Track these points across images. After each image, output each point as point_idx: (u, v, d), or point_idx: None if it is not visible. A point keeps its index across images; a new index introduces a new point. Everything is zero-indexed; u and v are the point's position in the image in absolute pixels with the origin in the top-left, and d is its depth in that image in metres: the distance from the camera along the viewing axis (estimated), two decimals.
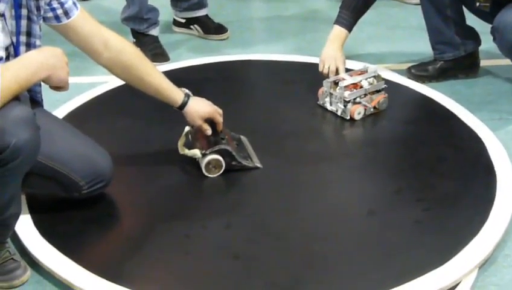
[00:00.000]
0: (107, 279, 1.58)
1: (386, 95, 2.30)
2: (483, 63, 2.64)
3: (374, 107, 2.29)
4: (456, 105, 2.34)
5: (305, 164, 2.04)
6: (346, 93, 2.23)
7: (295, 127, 2.23)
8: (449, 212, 1.82)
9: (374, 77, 2.30)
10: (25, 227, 1.75)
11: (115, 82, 2.52)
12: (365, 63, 2.48)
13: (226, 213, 1.83)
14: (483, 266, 1.65)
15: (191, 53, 2.88)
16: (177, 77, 2.56)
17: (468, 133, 2.18)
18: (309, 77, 2.55)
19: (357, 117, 2.25)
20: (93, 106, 2.37)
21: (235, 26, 3.12)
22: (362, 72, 2.32)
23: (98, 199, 1.85)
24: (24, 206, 1.81)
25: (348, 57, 2.72)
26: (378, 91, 2.30)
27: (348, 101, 2.24)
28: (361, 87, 2.26)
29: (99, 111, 2.34)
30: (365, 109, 2.26)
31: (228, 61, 2.71)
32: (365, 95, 2.27)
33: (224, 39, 3.00)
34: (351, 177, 1.98)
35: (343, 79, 2.27)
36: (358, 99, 2.25)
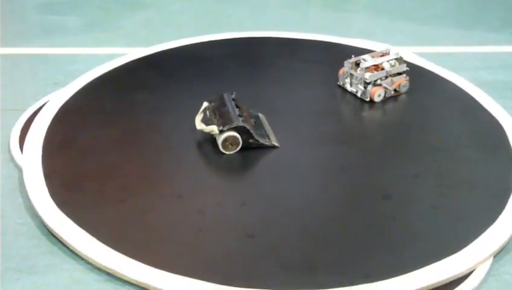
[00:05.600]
0: (119, 251, 1.58)
1: (408, 78, 2.27)
2: (506, 49, 2.60)
3: (395, 90, 2.26)
4: (478, 91, 2.31)
5: (322, 144, 2.02)
6: (367, 75, 2.20)
7: (314, 107, 2.21)
8: (467, 199, 1.79)
9: (396, 59, 2.27)
10: (42, 198, 1.75)
11: (134, 54, 2.52)
12: (387, 45, 2.45)
13: (241, 191, 1.82)
14: (499, 254, 1.64)
15: None
16: (197, 52, 2.56)
17: (489, 120, 2.15)
18: (330, 56, 2.52)
19: (377, 99, 2.23)
20: (112, 77, 2.36)
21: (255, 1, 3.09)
22: (384, 53, 2.29)
23: (113, 172, 1.85)
24: (41, 178, 1.82)
25: (371, 38, 2.70)
26: (399, 74, 2.27)
27: (369, 83, 2.21)
28: (382, 69, 2.24)
29: (118, 83, 2.33)
30: (385, 91, 2.24)
31: (249, 38, 2.69)
32: (386, 77, 2.24)
33: None
34: (369, 160, 1.96)
35: (365, 60, 2.24)
36: (379, 81, 2.23)
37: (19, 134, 2.04)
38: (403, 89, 2.28)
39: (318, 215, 1.73)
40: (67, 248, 1.63)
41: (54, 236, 1.67)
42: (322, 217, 1.72)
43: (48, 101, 2.21)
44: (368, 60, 2.24)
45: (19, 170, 1.89)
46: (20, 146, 1.98)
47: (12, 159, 1.94)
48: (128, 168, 1.88)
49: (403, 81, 2.26)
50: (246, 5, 3.09)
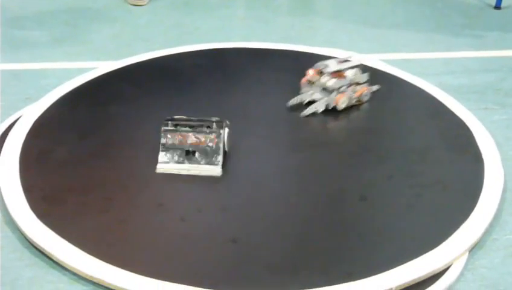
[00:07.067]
0: (104, 260, 1.59)
1: (369, 87, 2.33)
2: (468, 54, 2.69)
3: (357, 98, 2.31)
4: (444, 94, 2.38)
5: (296, 150, 2.06)
6: (331, 82, 2.25)
7: (284, 115, 2.25)
8: (440, 197, 1.85)
9: (358, 67, 2.32)
10: (22, 211, 1.75)
11: (104, 68, 2.53)
12: (350, 52, 2.51)
13: (221, 197, 1.84)
14: (473, 249, 1.70)
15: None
16: (168, 64, 2.58)
17: (456, 122, 2.22)
18: (296, 65, 2.57)
19: (341, 106, 2.27)
20: (84, 90, 2.37)
21: (222, 13, 3.13)
22: (347, 61, 2.34)
23: (92, 183, 1.86)
24: (20, 192, 1.82)
25: (336, 46, 2.76)
26: (362, 82, 2.32)
27: (333, 90, 2.26)
28: (345, 77, 2.29)
29: (90, 96, 2.34)
30: (349, 99, 2.29)
31: (217, 49, 2.72)
32: (349, 85, 2.29)
33: None
34: (343, 164, 2.00)
35: (328, 68, 2.29)
36: (342, 89, 2.27)
37: None
38: (365, 98, 2.33)
39: (298, 217, 1.77)
40: (51, 259, 1.63)
41: (36, 248, 1.67)
42: (302, 220, 1.76)
43: (21, 116, 2.20)
44: (331, 68, 2.27)
45: None
46: None
47: None
48: (107, 179, 1.89)
49: (365, 90, 2.32)
50: (214, 17, 3.13)
